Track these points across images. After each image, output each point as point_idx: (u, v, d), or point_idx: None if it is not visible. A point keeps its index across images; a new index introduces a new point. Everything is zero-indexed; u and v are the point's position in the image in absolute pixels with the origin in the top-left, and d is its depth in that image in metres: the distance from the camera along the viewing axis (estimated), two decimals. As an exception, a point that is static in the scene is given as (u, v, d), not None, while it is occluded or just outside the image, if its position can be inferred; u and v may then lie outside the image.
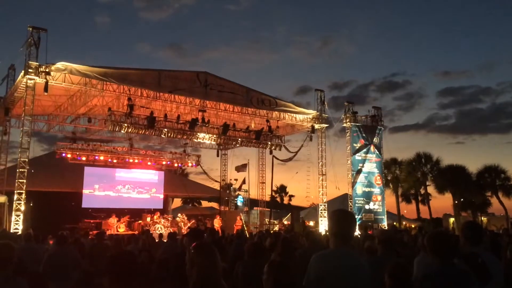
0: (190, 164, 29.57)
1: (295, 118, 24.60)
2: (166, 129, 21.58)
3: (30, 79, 16.98)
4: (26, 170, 16.91)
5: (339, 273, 3.11)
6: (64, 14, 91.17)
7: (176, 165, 29.56)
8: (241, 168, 30.52)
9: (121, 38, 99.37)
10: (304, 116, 24.87)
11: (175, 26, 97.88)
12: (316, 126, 25.17)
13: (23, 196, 16.78)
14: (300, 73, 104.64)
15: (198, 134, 22.62)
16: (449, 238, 3.62)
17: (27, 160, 17.12)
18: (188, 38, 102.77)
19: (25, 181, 16.84)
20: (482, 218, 39.10)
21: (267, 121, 23.62)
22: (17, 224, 16.41)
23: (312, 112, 25.07)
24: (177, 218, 25.30)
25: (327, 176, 25.99)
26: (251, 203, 32.20)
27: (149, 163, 27.59)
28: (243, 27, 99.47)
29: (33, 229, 14.97)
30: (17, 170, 16.92)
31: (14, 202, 16.67)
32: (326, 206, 25.70)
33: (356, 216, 25.65)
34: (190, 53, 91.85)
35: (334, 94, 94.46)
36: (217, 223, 24.89)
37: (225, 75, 25.26)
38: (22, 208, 16.73)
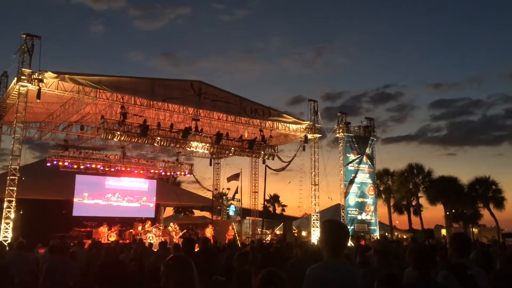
0: (182, 173, 29.47)
1: (288, 128, 24.65)
2: (159, 138, 21.53)
3: (23, 86, 16.91)
4: (16, 177, 16.76)
5: (334, 285, 3.10)
6: (59, 22, 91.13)
7: (168, 173, 29.45)
8: (233, 177, 30.47)
9: (115, 46, 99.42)
10: (297, 126, 24.93)
11: (169, 36, 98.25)
12: (309, 136, 25.22)
13: (13, 203, 16.61)
14: (293, 83, 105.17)
15: (191, 143, 22.58)
16: (428, 252, 3.69)
17: (18, 167, 16.96)
18: (182, 47, 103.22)
19: (15, 188, 16.69)
20: (473, 230, 39.27)
21: (261, 130, 23.66)
22: (6, 232, 16.22)
23: (305, 122, 25.15)
24: (169, 228, 25.13)
25: (320, 186, 26.02)
26: (244, 212, 32.11)
27: (141, 172, 27.45)
28: (237, 37, 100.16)
29: (22, 237, 14.80)
30: (8, 178, 16.76)
31: (4, 210, 16.47)
32: (318, 216, 25.66)
33: (349, 227, 25.65)
34: (184, 62, 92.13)
35: (327, 105, 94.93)
36: (209, 232, 24.76)
37: (219, 84, 25.43)
38: (12, 216, 16.55)
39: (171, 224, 25.85)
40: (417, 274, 3.55)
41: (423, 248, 3.89)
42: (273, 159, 25.60)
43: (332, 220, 3.43)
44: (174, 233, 24.42)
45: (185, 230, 25.33)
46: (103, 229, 22.87)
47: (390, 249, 4.83)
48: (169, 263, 2.84)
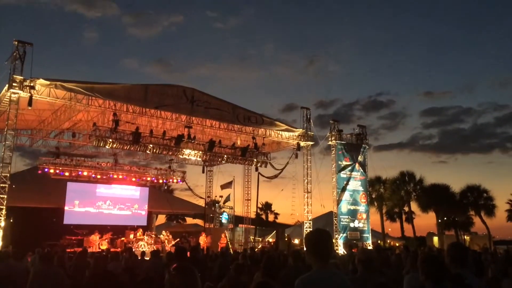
0: (175, 181, 29.36)
1: (281, 135, 24.68)
2: (151, 145, 21.44)
3: (14, 93, 16.80)
4: (7, 185, 16.59)
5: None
6: (52, 29, 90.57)
7: (161, 181, 29.31)
8: (226, 185, 30.41)
9: (109, 53, 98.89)
10: (290, 134, 24.97)
11: (163, 43, 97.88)
12: (302, 143, 25.27)
13: (3, 212, 16.42)
14: (286, 91, 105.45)
15: (184, 150, 22.51)
16: (441, 261, 3.69)
17: (8, 175, 16.80)
18: (176, 54, 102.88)
19: (5, 196, 16.50)
20: (465, 237, 39.44)
21: (253, 138, 23.65)
22: (-4, 241, 16.02)
23: (298, 130, 25.19)
24: (161, 236, 24.94)
25: (313, 193, 26.05)
26: (236, 220, 32.00)
27: (133, 179, 27.29)
28: (230, 45, 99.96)
29: (12, 245, 14.63)
30: (-2, 185, 16.59)
31: (-6, 217, 16.29)
32: (311, 223, 25.64)
33: (341, 234, 25.67)
34: (177, 69, 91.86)
35: (320, 112, 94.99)
36: (202, 240, 24.63)
37: (212, 91, 25.33)
38: (2, 224, 16.34)
39: (163, 232, 25.66)
40: (430, 284, 3.59)
41: (437, 257, 3.91)
42: (265, 166, 25.59)
43: (315, 229, 3.46)
44: (166, 241, 24.26)
45: (178, 239, 25.15)
46: (95, 237, 22.68)
47: (375, 258, 4.81)
48: (173, 272, 2.82)
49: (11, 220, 18.45)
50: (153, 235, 24.87)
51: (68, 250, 20.70)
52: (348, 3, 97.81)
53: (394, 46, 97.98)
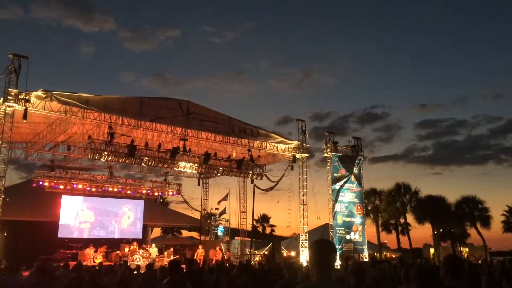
0: (170, 193, 29.25)
1: (277, 147, 24.70)
2: (146, 158, 21.40)
3: (9, 106, 16.77)
4: (1, 198, 16.48)
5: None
6: (49, 44, 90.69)
7: (156, 194, 29.20)
8: (222, 199, 30.37)
9: (105, 67, 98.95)
10: (285, 146, 24.99)
11: (159, 57, 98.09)
12: (298, 155, 25.29)
13: (-3, 225, 16.32)
14: (282, 103, 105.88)
15: (179, 163, 22.48)
16: (435, 273, 3.70)
17: (2, 188, 16.71)
18: (172, 68, 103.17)
19: (-1, 210, 16.41)
20: (462, 249, 39.42)
21: (249, 150, 23.67)
22: (-11, 255, 15.88)
23: (294, 142, 25.23)
24: (151, 250, 24.39)
25: (308, 205, 26.01)
26: (232, 232, 31.86)
27: (128, 192, 27.17)
28: (226, 59, 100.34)
29: (6, 259, 14.49)
30: (-8, 199, 16.48)
31: (-13, 231, 16.17)
32: (307, 236, 25.55)
33: (337, 247, 25.57)
34: (173, 83, 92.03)
35: (315, 125, 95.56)
36: (199, 254, 24.45)
37: (208, 105, 25.19)
38: (-4, 238, 16.24)
39: (153, 245, 25.06)
40: None
41: (430, 269, 3.91)
42: (261, 178, 25.56)
43: (320, 239, 3.41)
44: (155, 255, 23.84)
45: (171, 258, 24.72)
46: (89, 250, 22.48)
47: (367, 270, 4.82)
48: (167, 286, 2.82)
49: (5, 234, 18.30)
50: (148, 248, 24.67)
51: (62, 264, 20.56)
52: (343, 18, 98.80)
53: (388, 59, 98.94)
